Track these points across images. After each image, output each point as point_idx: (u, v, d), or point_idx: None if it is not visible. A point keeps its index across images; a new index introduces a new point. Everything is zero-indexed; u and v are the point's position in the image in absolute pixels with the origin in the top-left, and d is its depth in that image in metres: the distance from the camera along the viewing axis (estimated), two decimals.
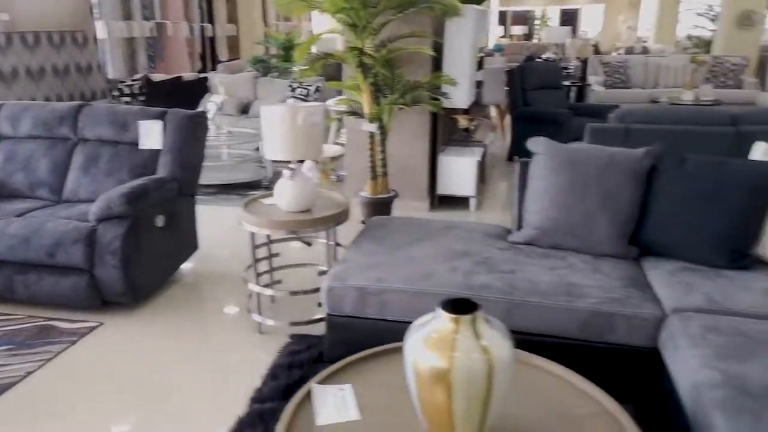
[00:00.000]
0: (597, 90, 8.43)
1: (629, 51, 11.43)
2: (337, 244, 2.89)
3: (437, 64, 4.25)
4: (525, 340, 2.07)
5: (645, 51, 11.63)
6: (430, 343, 1.24)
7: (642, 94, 8.08)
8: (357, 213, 3.80)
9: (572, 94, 8.57)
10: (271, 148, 2.45)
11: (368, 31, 3.59)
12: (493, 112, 7.64)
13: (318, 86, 6.17)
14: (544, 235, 2.43)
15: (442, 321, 1.26)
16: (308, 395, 1.49)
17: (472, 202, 4.48)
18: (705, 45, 10.51)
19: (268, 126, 2.44)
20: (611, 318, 1.98)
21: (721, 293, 2.00)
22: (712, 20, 10.76)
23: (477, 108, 6.10)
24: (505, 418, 1.41)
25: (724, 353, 1.63)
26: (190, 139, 3.14)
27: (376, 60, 3.59)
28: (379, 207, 3.81)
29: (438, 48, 4.21)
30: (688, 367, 1.65)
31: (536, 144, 2.54)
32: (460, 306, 1.29)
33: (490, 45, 11.61)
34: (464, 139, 4.79)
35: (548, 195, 2.42)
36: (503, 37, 18.51)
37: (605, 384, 2.04)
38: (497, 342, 1.24)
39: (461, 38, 4.13)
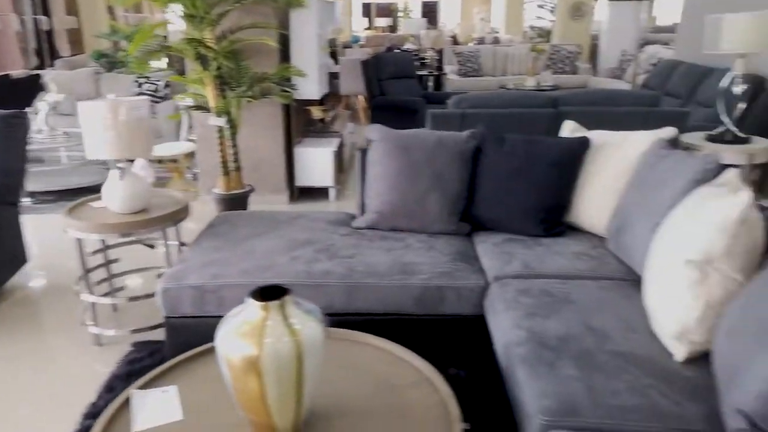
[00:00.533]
0: (452, 78, 8.87)
1: (481, 41, 12.12)
2: (182, 244, 2.78)
3: (285, 55, 4.22)
4: (366, 320, 2.16)
5: (497, 41, 12.40)
6: (240, 333, 1.24)
7: (492, 82, 8.62)
8: (213, 211, 3.69)
9: (430, 83, 8.95)
10: (93, 147, 2.29)
11: (207, 21, 3.47)
12: (359, 102, 7.76)
13: (167, 81, 5.86)
14: (384, 219, 2.52)
15: (252, 310, 1.26)
16: (127, 402, 1.43)
17: (332, 192, 4.52)
18: (546, 35, 11.43)
19: (87, 124, 2.28)
20: (442, 291, 2.10)
21: (536, 259, 2.21)
22: (551, 11, 11.73)
23: (336, 98, 6.15)
24: (329, 396, 1.45)
25: (531, 312, 1.80)
26: (6, 141, 2.85)
27: (218, 52, 3.49)
28: (235, 203, 3.73)
29: (285, 40, 4.18)
30: (502, 328, 1.81)
31: (372, 131, 2.62)
32: (272, 293, 1.30)
33: (364, 35, 11.74)
34: (321, 130, 4.82)
35: (385, 179, 2.51)
36: (368, 29, 18.79)
37: (442, 353, 2.19)
38: (307, 324, 1.27)
39: (307, 29, 4.14)
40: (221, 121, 3.63)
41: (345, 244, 2.35)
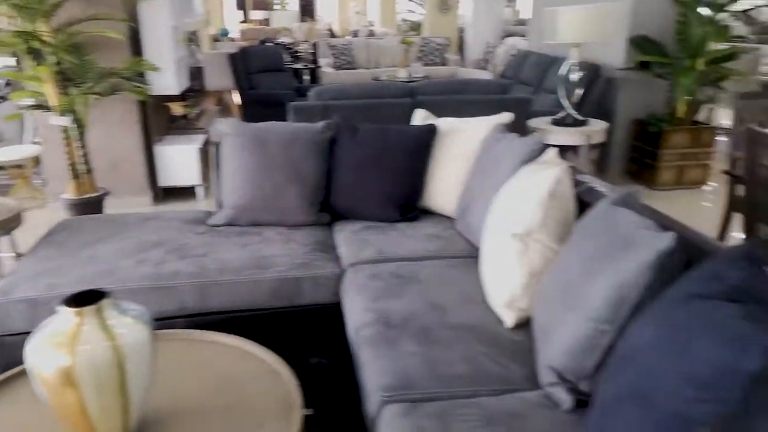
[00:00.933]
0: (328, 71, 8.87)
1: (355, 34, 12.23)
2: (19, 255, 2.55)
3: (138, 49, 3.98)
4: (225, 319, 2.11)
5: (372, 34, 12.57)
6: (53, 344, 1.16)
7: (366, 74, 8.73)
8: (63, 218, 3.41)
9: (307, 77, 8.89)
10: None
11: (40, 13, 3.19)
12: (231, 97, 7.51)
13: (9, 80, 5.31)
14: (242, 214, 2.47)
15: (64, 317, 1.18)
16: None
17: (200, 191, 4.36)
18: (417, 27, 11.78)
19: None
20: (299, 282, 2.11)
21: (390, 244, 2.28)
22: (421, 5, 12.10)
23: (204, 94, 5.92)
24: (167, 398, 1.40)
25: (380, 295, 1.86)
26: None
27: (56, 46, 3.21)
28: (88, 208, 3.46)
29: (136, 32, 3.94)
30: (353, 312, 1.85)
31: (224, 125, 2.55)
32: (88, 298, 1.23)
33: (239, 29, 11.35)
34: (184, 127, 4.61)
35: (241, 173, 2.46)
36: (243, 21, 18.25)
37: (305, 343, 2.20)
38: (131, 327, 1.21)
39: (159, 21, 3.93)
40: (65, 121, 3.35)
41: (199, 242, 2.28)
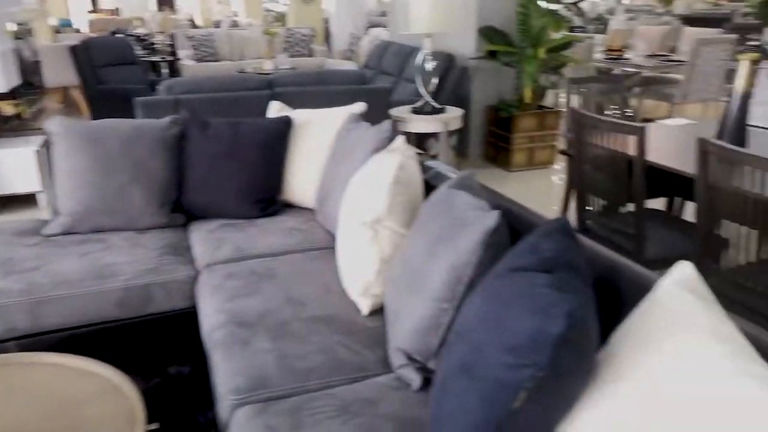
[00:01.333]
0: (188, 64, 8.42)
1: (217, 25, 11.76)
2: None
3: None
4: (65, 337, 1.92)
5: (235, 25, 12.14)
6: None
7: (231, 66, 8.42)
8: None
9: (165, 70, 8.38)
10: None
11: None
12: (78, 93, 6.86)
13: None
14: (81, 220, 2.26)
15: None
16: None
17: (41, 198, 3.94)
18: (282, 18, 11.57)
19: None
20: (147, 289, 1.97)
21: (248, 241, 2.21)
22: None
23: (43, 91, 5.35)
24: None
25: (234, 295, 1.80)
26: None
27: None
28: None
29: None
30: (207, 315, 1.77)
31: (52, 124, 2.31)
32: None
33: (89, 19, 10.35)
34: (18, 128, 4.14)
35: (76, 176, 2.25)
36: (92, 11, 16.78)
37: (162, 353, 2.08)
38: None
39: None
40: None
41: (29, 255, 2.05)
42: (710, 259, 1.97)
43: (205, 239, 2.24)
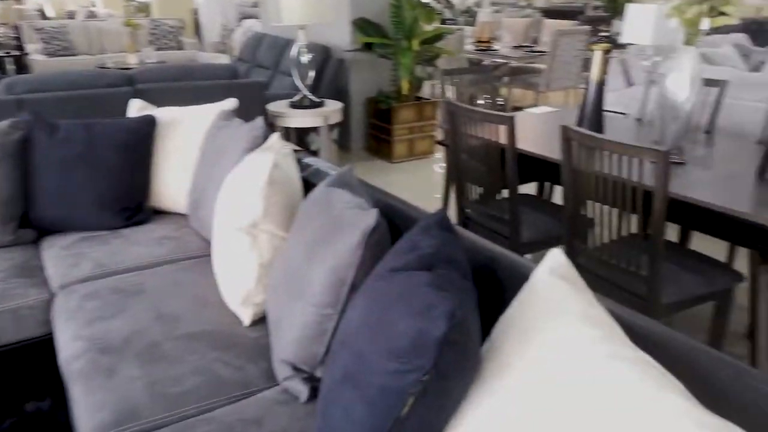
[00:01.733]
0: (38, 59, 7.61)
1: (71, 16, 10.74)
2: None
3: None
4: None
5: (92, 16, 11.14)
6: None
7: (90, 61, 7.72)
8: None
9: (11, 66, 7.50)
10: None
11: None
12: None
13: None
14: None
15: None
16: None
17: None
18: (146, 8, 10.79)
19: None
20: None
21: (111, 254, 2.00)
22: None
23: None
24: None
25: (95, 317, 1.61)
26: None
27: None
28: None
29: None
30: (64, 343, 1.57)
31: None
32: None
33: None
34: None
35: None
36: None
37: (16, 388, 1.83)
38: None
39: None
40: None
41: None
42: (578, 240, 2.09)
43: (60, 256, 2.00)
